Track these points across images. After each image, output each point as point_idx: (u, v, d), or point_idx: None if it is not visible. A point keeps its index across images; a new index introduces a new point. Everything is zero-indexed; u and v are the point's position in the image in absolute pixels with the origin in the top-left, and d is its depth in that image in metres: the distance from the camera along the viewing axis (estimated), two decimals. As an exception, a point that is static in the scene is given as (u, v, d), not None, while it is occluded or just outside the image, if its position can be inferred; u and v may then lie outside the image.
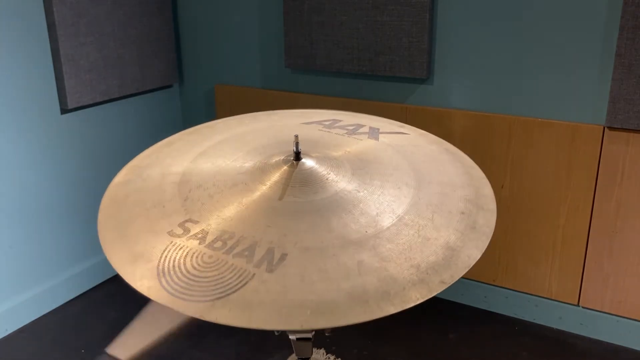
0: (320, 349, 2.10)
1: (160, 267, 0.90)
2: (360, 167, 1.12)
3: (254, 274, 0.87)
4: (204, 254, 0.91)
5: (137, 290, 0.87)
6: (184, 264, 0.90)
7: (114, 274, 2.68)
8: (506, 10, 2.08)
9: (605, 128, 2.00)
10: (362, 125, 1.33)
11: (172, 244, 0.94)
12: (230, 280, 0.87)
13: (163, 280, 0.88)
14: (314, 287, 0.85)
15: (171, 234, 0.96)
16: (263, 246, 0.92)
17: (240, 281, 0.86)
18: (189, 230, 0.96)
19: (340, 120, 1.37)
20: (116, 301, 2.49)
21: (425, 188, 1.09)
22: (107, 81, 2.48)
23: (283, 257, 0.90)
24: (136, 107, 2.70)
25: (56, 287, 2.45)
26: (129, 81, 2.58)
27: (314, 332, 1.12)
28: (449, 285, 0.87)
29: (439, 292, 0.87)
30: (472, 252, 0.94)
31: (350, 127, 1.32)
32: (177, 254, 0.92)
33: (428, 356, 2.12)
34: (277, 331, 1.10)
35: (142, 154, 1.25)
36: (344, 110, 1.46)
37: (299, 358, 1.13)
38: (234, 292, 0.85)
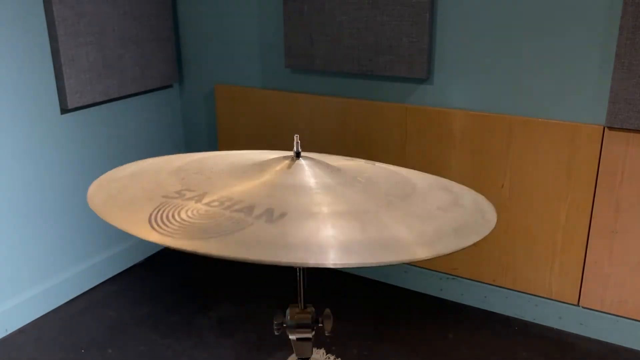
0: (320, 349, 2.11)
1: (153, 216, 0.88)
2: (360, 173, 1.14)
3: (252, 223, 0.86)
4: (200, 209, 0.89)
5: (128, 233, 0.84)
6: (178, 214, 0.88)
7: (113, 274, 2.68)
8: (506, 10, 2.08)
9: (605, 128, 2.00)
10: (359, 160, 1.36)
11: (167, 203, 0.92)
12: (226, 226, 0.84)
13: (154, 224, 0.85)
14: (315, 236, 0.85)
15: (166, 197, 0.94)
16: (262, 207, 0.90)
17: (238, 227, 0.84)
18: (185, 195, 0.95)
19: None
20: (116, 301, 2.49)
21: (426, 192, 1.10)
22: (107, 81, 2.48)
23: (283, 214, 0.89)
24: (136, 107, 2.70)
25: (56, 287, 2.45)
26: (129, 81, 2.58)
27: (314, 332, 1.12)
28: (453, 252, 0.88)
29: (442, 254, 0.86)
30: (477, 234, 0.95)
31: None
32: (170, 208, 0.90)
33: (428, 356, 2.12)
34: (277, 330, 1.11)
35: (135, 162, 1.26)
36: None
37: (299, 358, 1.13)
38: (230, 233, 0.83)
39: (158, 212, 0.89)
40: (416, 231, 0.91)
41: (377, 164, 1.31)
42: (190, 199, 0.93)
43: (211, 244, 0.80)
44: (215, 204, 0.91)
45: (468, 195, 1.13)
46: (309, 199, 0.96)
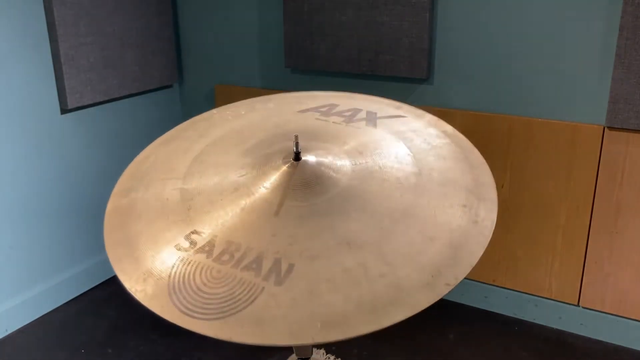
0: (320, 349, 2.10)
1: (171, 285, 0.90)
2: (360, 161, 1.11)
3: (263, 288, 0.87)
4: (213, 268, 0.92)
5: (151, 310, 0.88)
6: (194, 280, 0.90)
7: (114, 274, 2.67)
8: (506, 10, 2.08)
9: (605, 128, 2.00)
10: (359, 110, 1.30)
11: (180, 259, 0.94)
12: (240, 296, 0.87)
13: (174, 297, 0.88)
14: (323, 299, 0.85)
15: (178, 247, 0.96)
16: (270, 257, 0.92)
17: (250, 296, 0.87)
18: (196, 243, 0.96)
19: (337, 105, 1.33)
20: (116, 301, 2.49)
21: (426, 181, 1.08)
22: (107, 81, 2.47)
23: (290, 268, 0.90)
24: (136, 107, 2.70)
25: (56, 287, 2.45)
26: (129, 81, 2.58)
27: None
28: (454, 286, 0.87)
29: (444, 294, 0.87)
30: (475, 249, 0.94)
31: (348, 114, 1.28)
32: (185, 269, 0.92)
33: (428, 356, 2.12)
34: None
35: (140, 157, 1.24)
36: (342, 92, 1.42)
37: (299, 358, 1.13)
38: (244, 307, 0.85)
39: (175, 276, 0.92)
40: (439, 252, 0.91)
41: (379, 119, 1.26)
42: (201, 250, 0.95)
43: (230, 326, 0.84)
44: (225, 257, 0.93)
45: (469, 182, 1.11)
46: (312, 229, 0.96)
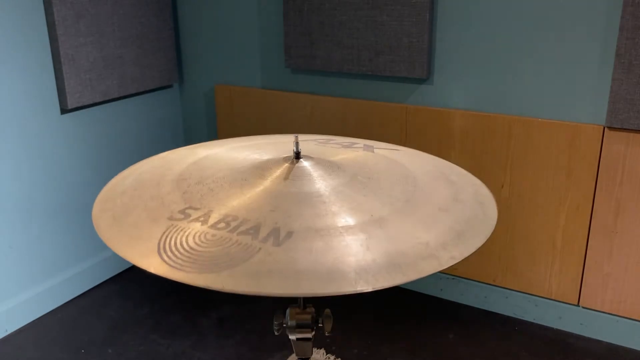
0: (320, 349, 2.11)
1: (161, 245, 0.87)
2: (360, 168, 1.14)
3: (260, 248, 0.85)
4: (207, 233, 0.89)
5: (137, 266, 0.85)
6: (186, 242, 0.87)
7: (113, 274, 2.68)
8: (506, 10, 2.08)
9: (605, 128, 2.00)
10: (356, 142, 1.35)
11: (173, 226, 0.92)
12: (235, 254, 0.84)
13: (164, 255, 0.85)
14: (323, 258, 0.84)
15: (171, 218, 0.94)
16: (268, 225, 0.90)
17: (246, 254, 0.84)
18: (190, 215, 0.94)
19: (334, 139, 1.39)
20: (116, 301, 2.49)
21: (427, 184, 1.10)
22: (107, 81, 2.48)
23: (289, 234, 0.88)
24: (136, 107, 2.70)
25: (56, 287, 2.45)
26: (129, 81, 2.58)
27: (314, 332, 1.12)
28: (458, 261, 0.88)
29: (449, 266, 0.87)
30: (479, 237, 0.95)
31: (345, 143, 1.33)
32: (178, 234, 0.89)
33: (428, 356, 2.12)
34: (277, 330, 1.11)
35: (135, 165, 1.24)
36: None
37: (299, 358, 1.13)
38: (240, 264, 0.83)
39: (166, 238, 0.88)
40: (430, 239, 0.91)
41: (376, 149, 1.30)
42: (196, 220, 0.92)
43: (223, 278, 0.80)
44: (222, 225, 0.90)
45: (467, 186, 1.14)
46: (314, 210, 0.96)
